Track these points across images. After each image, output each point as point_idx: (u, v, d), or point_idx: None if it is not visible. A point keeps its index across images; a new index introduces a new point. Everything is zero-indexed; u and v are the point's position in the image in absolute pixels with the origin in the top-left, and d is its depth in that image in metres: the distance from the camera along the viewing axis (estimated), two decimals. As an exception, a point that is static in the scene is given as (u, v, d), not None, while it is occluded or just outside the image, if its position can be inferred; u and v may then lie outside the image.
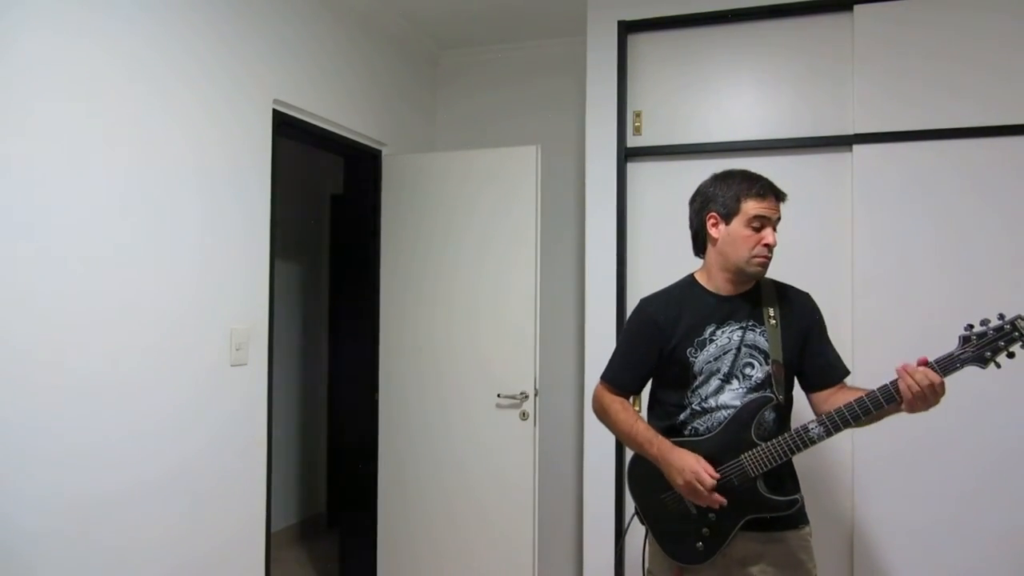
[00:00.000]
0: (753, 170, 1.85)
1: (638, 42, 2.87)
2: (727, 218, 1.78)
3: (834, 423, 1.65)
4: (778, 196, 1.79)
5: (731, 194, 1.78)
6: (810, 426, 1.68)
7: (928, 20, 2.51)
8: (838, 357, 1.87)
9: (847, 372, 1.86)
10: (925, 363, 1.58)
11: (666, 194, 2.79)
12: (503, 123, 3.64)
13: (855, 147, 2.57)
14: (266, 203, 2.54)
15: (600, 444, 2.79)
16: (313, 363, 4.51)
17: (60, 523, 1.82)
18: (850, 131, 2.59)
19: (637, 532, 2.03)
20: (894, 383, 1.61)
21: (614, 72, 2.84)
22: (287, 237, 4.12)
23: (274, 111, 2.58)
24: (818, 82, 2.65)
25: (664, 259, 2.80)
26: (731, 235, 1.78)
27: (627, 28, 2.84)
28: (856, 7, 2.58)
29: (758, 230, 1.75)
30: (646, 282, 2.83)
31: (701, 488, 1.68)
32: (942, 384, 1.57)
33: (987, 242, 2.43)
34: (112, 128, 1.95)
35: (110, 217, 1.95)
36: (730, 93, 2.76)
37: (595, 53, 2.89)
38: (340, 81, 2.99)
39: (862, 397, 1.64)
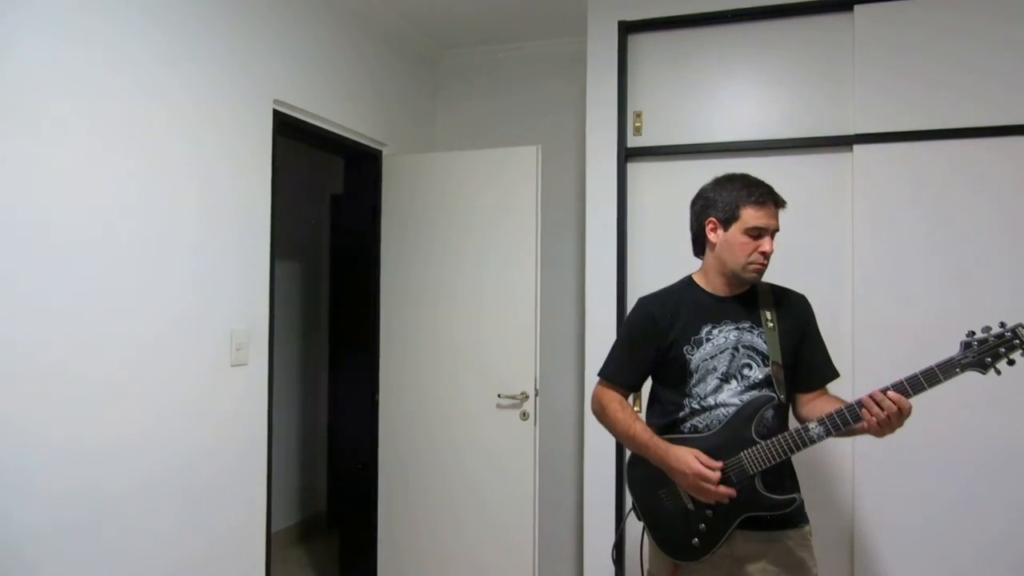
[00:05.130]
0: (754, 172, 1.86)
1: (638, 42, 2.87)
2: (725, 224, 1.80)
3: (834, 424, 1.67)
4: (777, 203, 1.80)
5: (730, 200, 1.79)
6: (810, 426, 1.69)
7: (928, 20, 2.51)
8: (828, 360, 1.91)
9: (836, 375, 1.90)
10: (900, 384, 1.61)
11: (666, 194, 2.78)
12: (503, 123, 3.64)
13: (855, 147, 2.57)
14: (266, 203, 2.54)
15: (600, 444, 2.79)
16: (313, 363, 4.51)
17: (61, 522, 1.82)
18: (850, 131, 2.59)
19: (637, 531, 2.03)
20: (859, 404, 1.64)
21: (614, 72, 2.84)
22: (287, 237, 4.12)
23: (274, 111, 2.58)
24: (818, 82, 2.65)
25: (664, 259, 2.80)
26: (728, 241, 1.80)
27: (627, 28, 2.84)
28: (856, 7, 2.58)
29: (755, 238, 1.77)
30: (646, 282, 2.84)
31: (707, 485, 1.68)
32: (909, 408, 1.60)
33: (987, 242, 2.43)
34: (111, 130, 1.95)
35: (110, 218, 1.95)
36: (730, 93, 2.76)
37: (595, 53, 2.89)
38: (340, 81, 2.99)
39: (841, 409, 1.67)
